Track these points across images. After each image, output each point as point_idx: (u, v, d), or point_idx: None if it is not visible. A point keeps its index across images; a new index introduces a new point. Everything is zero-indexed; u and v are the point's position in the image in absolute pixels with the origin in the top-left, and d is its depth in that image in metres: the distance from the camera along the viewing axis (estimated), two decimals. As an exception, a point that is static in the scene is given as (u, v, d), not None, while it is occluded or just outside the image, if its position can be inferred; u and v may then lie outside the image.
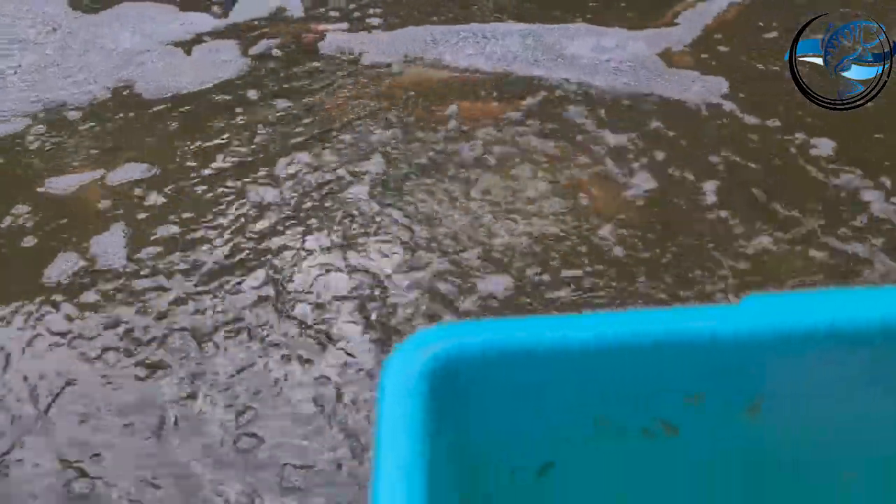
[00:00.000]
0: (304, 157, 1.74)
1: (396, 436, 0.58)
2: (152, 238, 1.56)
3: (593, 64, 1.97)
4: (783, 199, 1.60)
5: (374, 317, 1.39)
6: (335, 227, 1.55)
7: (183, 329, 1.39)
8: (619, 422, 0.68)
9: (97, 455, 1.23)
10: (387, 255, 1.50)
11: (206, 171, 1.70)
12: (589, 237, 1.51)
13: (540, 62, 1.98)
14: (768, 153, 1.69)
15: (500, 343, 0.64)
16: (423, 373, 0.62)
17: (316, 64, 2.04)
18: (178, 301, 1.43)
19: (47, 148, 1.82)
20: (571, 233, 1.52)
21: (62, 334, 1.40)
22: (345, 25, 2.15)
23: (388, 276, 1.46)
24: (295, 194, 1.64)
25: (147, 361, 1.35)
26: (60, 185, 1.72)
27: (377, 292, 1.43)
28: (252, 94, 1.94)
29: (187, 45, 2.12)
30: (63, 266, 1.51)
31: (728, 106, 1.81)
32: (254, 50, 2.09)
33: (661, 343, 0.65)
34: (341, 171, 1.69)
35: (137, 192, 1.67)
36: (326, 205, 1.61)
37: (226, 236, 1.55)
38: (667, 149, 1.72)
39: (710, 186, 1.63)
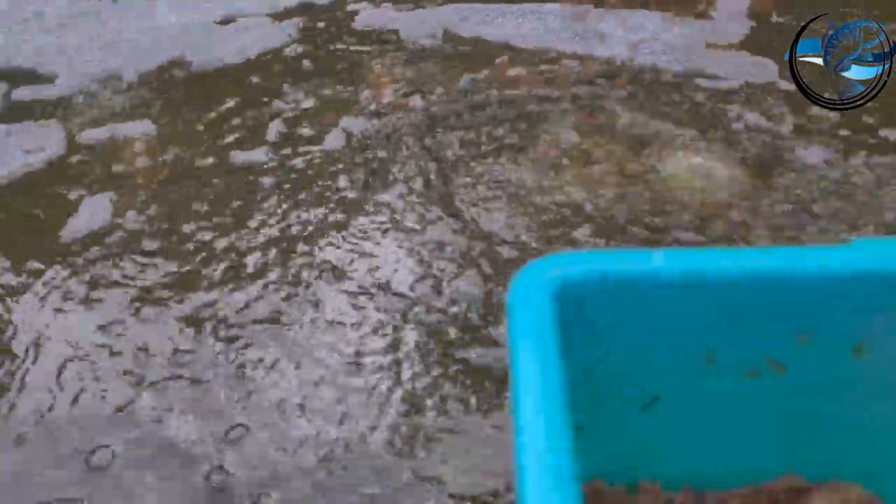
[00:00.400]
0: (353, 122, 1.70)
1: (530, 354, 0.56)
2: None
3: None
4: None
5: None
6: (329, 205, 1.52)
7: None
8: (728, 356, 0.66)
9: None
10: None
11: (240, 134, 1.72)
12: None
13: (580, 39, 1.99)
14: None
15: (621, 272, 0.63)
16: (550, 294, 0.60)
17: (354, 39, 2.06)
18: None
19: (91, 108, 1.86)
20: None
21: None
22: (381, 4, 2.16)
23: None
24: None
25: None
26: (92, 136, 1.76)
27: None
28: (295, 66, 1.98)
29: (233, 23, 2.15)
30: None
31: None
32: (294, 27, 2.12)
33: (772, 279, 0.63)
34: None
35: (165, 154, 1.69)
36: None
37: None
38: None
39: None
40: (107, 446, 1.10)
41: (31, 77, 1.98)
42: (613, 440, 0.72)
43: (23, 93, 1.92)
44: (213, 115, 1.80)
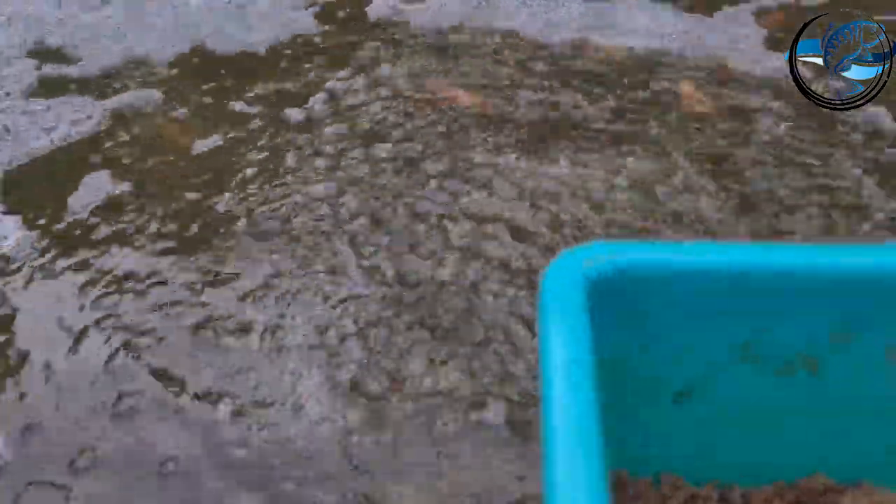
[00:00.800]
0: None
1: (561, 345, 0.51)
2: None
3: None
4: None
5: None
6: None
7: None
8: (763, 351, 0.61)
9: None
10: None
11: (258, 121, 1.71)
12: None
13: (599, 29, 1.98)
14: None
15: (660, 262, 0.59)
16: (584, 283, 0.56)
17: (367, 29, 2.04)
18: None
19: (117, 86, 1.85)
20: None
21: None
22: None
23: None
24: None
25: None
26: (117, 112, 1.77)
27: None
28: (313, 51, 1.96)
29: (255, 6, 2.13)
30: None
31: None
32: (311, 14, 2.09)
33: (813, 275, 0.58)
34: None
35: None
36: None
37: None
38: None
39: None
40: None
41: (60, 56, 1.95)
42: (640, 431, 0.68)
43: (52, 71, 1.90)
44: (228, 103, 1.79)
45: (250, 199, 1.47)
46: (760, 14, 2.01)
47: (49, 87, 1.82)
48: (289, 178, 1.51)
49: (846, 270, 0.59)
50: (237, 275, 1.31)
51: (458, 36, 1.93)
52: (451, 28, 1.97)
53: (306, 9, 2.08)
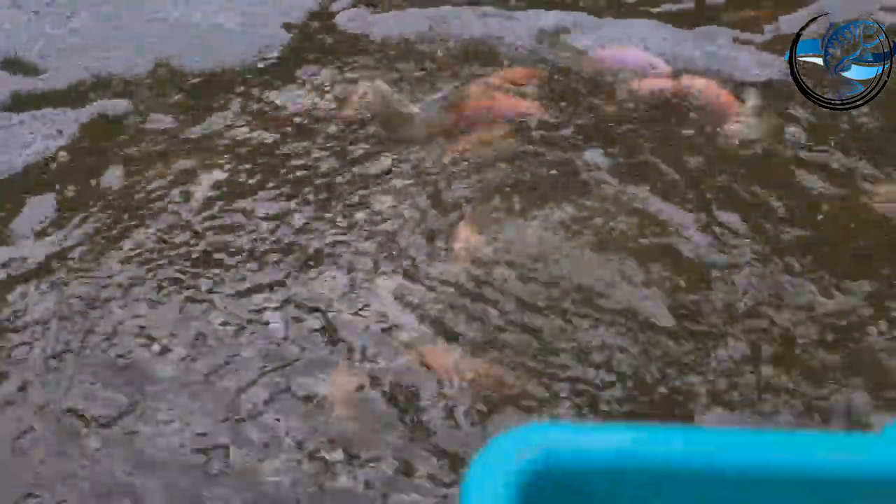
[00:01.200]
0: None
1: None
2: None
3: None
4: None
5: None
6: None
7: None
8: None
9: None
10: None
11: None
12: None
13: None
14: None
15: (600, 455, 0.48)
16: (515, 482, 0.46)
17: (333, 39, 1.98)
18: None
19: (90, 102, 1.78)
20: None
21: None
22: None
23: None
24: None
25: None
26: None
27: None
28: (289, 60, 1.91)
29: (230, 20, 2.05)
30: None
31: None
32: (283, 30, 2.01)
33: (785, 473, 0.47)
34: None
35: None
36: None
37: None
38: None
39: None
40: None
41: (32, 70, 1.87)
42: None
43: (26, 85, 1.82)
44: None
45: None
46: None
47: (19, 102, 1.75)
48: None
49: (834, 465, 0.47)
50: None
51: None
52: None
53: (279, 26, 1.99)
